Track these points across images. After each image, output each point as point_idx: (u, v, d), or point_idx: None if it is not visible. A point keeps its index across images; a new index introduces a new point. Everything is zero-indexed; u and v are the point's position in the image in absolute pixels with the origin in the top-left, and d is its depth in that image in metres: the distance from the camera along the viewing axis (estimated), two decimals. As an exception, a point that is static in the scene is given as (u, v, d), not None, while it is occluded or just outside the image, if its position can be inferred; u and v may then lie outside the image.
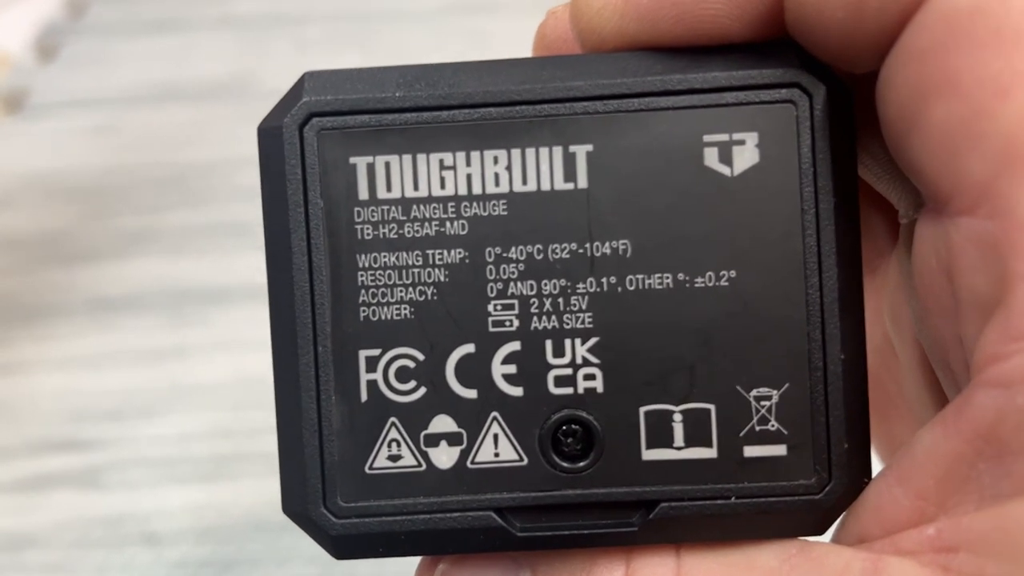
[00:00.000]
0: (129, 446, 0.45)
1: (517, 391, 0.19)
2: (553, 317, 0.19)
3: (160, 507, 0.43)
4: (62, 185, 0.58)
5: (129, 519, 0.43)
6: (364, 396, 0.19)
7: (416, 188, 0.19)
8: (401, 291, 0.19)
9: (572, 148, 0.19)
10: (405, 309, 0.19)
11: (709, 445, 0.19)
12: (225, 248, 0.53)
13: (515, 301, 0.19)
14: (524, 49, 0.23)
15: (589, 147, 0.19)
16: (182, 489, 0.44)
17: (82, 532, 0.42)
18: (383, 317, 0.19)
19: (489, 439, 0.19)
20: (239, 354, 0.49)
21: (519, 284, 0.19)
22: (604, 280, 0.19)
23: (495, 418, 0.19)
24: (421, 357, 0.19)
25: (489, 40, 0.62)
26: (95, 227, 0.55)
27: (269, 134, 0.19)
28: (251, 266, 0.49)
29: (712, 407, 0.19)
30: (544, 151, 0.19)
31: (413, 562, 0.21)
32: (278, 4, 0.69)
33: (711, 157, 0.19)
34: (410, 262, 0.19)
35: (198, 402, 0.47)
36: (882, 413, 0.25)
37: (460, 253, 0.19)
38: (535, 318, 0.19)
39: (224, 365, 0.48)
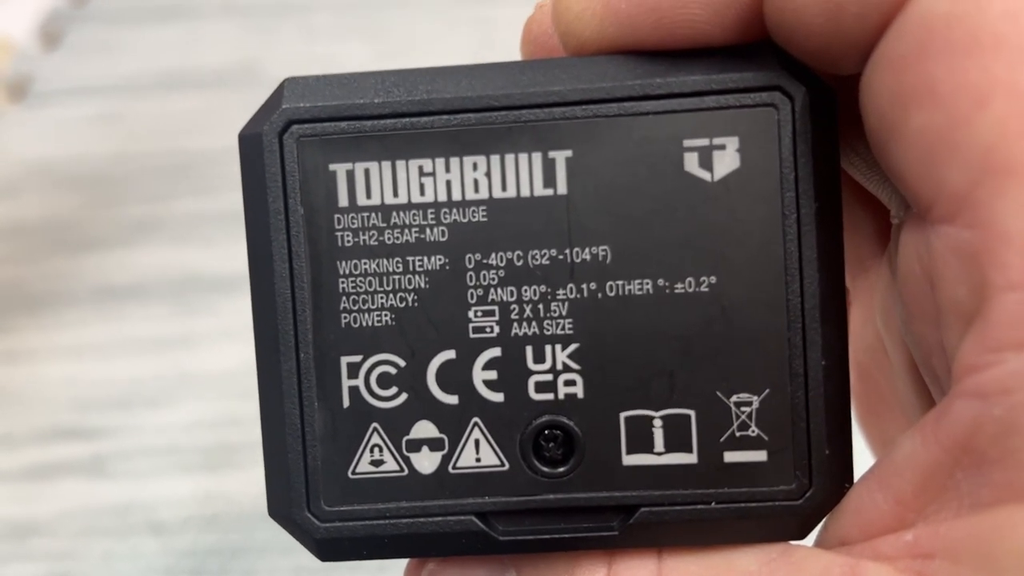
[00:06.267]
0: (135, 434, 0.46)
1: (498, 397, 0.19)
2: (533, 323, 0.19)
3: (167, 496, 0.43)
4: (67, 173, 0.58)
5: (136, 508, 0.43)
6: (346, 402, 0.19)
7: (396, 195, 0.19)
8: (382, 298, 0.19)
9: (552, 154, 0.19)
10: (386, 316, 0.19)
11: (689, 451, 0.19)
12: (231, 236, 0.53)
13: (495, 307, 0.19)
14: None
15: (568, 153, 0.19)
16: (189, 478, 0.44)
17: (88, 521, 0.43)
18: (364, 324, 0.19)
19: (470, 444, 0.19)
20: (246, 343, 0.48)
21: (499, 290, 0.19)
22: (584, 286, 0.19)
23: (476, 424, 0.19)
24: (402, 363, 0.19)
25: (496, 28, 0.62)
26: (101, 215, 0.55)
27: (249, 141, 0.19)
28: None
29: (692, 413, 0.19)
30: (523, 157, 0.19)
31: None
32: (284, -9, 0.68)
33: (691, 162, 0.19)
34: (390, 269, 0.19)
35: (205, 391, 0.47)
36: (875, 412, 0.25)
37: (440, 260, 0.19)
38: (515, 324, 0.19)
39: (230, 354, 0.48)
